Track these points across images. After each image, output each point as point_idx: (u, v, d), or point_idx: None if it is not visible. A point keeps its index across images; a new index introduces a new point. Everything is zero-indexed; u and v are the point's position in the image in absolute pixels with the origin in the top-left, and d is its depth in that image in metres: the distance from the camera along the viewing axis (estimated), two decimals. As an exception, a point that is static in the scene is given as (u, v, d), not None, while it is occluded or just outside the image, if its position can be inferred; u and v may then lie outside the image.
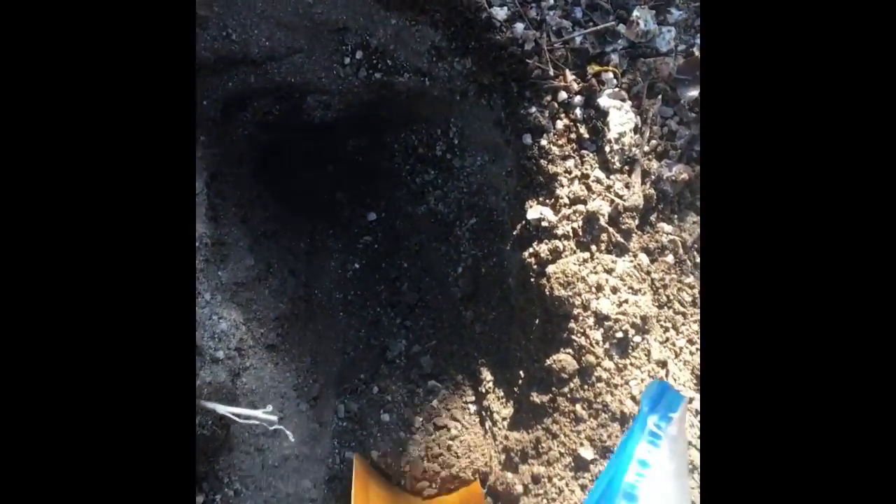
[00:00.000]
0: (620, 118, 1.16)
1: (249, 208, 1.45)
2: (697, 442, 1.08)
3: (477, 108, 1.30)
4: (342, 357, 1.45)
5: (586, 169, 1.16)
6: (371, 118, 1.46)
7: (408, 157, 1.51)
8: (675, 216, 1.18)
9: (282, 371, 1.34)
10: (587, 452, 1.09)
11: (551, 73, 1.13)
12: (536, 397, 1.15)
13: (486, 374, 1.31)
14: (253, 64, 1.36)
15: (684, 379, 1.15)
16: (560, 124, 1.17)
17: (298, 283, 1.46)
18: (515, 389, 1.25)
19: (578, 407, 1.10)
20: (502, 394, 1.28)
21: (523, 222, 1.20)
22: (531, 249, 1.17)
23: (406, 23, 1.24)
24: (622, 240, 1.14)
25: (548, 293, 1.13)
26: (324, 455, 1.32)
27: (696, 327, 1.17)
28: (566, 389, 1.11)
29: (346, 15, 1.28)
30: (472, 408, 1.32)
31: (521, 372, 1.23)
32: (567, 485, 1.11)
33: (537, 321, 1.19)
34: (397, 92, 1.37)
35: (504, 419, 1.25)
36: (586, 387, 1.10)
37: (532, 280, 1.17)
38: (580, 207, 1.14)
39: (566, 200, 1.15)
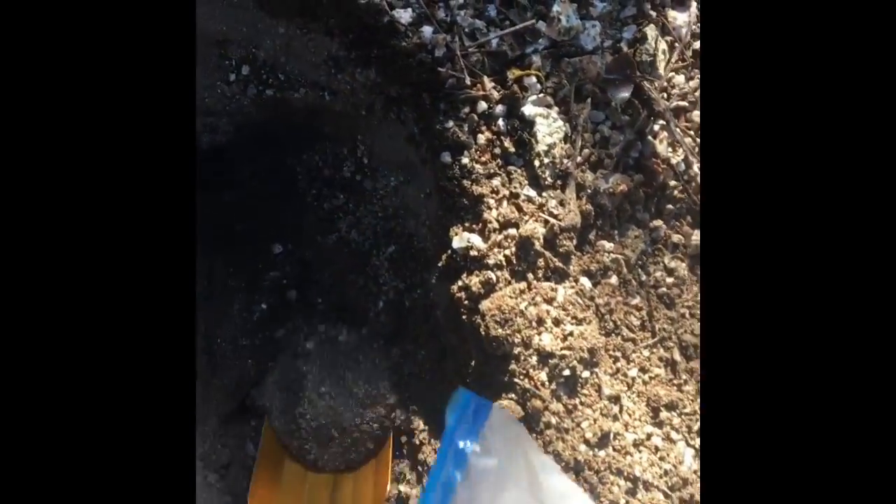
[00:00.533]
0: (548, 127, 1.03)
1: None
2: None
3: (386, 123, 1.14)
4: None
5: (515, 187, 1.02)
6: (266, 139, 1.29)
7: (312, 180, 1.34)
8: (616, 232, 1.07)
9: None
10: (541, 512, 0.96)
11: (468, 81, 0.99)
12: (479, 451, 1.01)
13: (419, 423, 1.16)
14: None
15: (639, 413, 1.03)
16: (482, 138, 1.03)
17: (198, 333, 1.27)
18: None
19: (528, 460, 0.96)
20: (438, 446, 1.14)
21: (449, 251, 1.05)
22: (460, 283, 1.03)
23: (297, 31, 1.07)
24: (561, 264, 1.02)
25: (483, 333, 0.99)
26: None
27: (647, 353, 1.06)
28: (512, 441, 0.97)
29: (225, 25, 1.11)
30: (405, 462, 1.17)
31: (458, 420, 1.09)
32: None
33: (473, 363, 1.05)
34: (294, 109, 1.20)
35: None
36: (534, 435, 0.97)
37: (464, 317, 1.03)
38: (512, 231, 1.01)
39: (496, 224, 1.01)
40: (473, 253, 1.01)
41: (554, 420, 0.97)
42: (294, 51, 1.10)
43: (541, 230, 1.00)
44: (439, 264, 1.09)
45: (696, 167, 1.07)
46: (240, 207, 1.37)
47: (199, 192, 1.34)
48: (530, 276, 1.01)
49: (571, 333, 0.99)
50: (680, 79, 1.10)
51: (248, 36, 1.11)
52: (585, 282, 1.03)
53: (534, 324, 0.98)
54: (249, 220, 1.37)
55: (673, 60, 1.11)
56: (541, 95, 1.03)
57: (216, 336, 1.30)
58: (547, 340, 0.98)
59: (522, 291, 1.00)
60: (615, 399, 1.01)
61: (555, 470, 0.83)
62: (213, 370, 1.26)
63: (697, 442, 1.03)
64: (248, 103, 1.18)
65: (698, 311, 1.07)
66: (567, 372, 0.98)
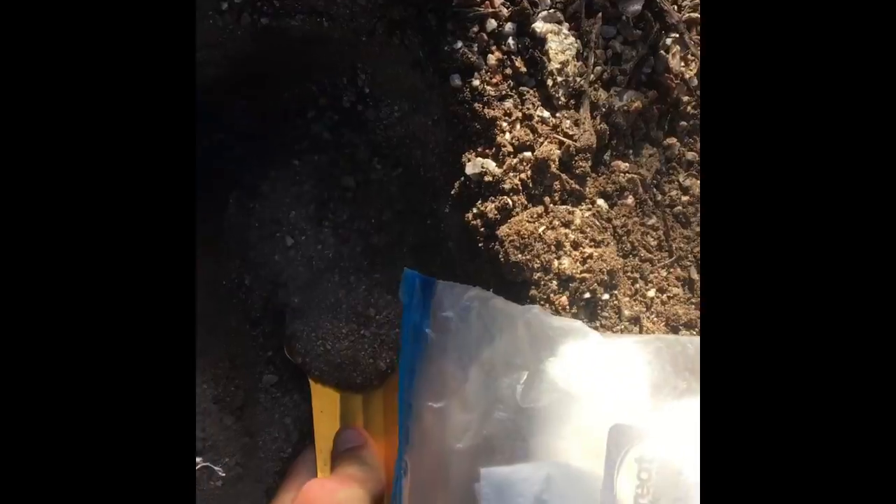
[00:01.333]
0: (560, 45, 0.99)
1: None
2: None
3: (389, 48, 1.10)
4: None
5: (528, 109, 0.99)
6: (260, 72, 1.24)
7: (308, 112, 1.29)
8: (631, 151, 1.04)
9: (198, 385, 1.14)
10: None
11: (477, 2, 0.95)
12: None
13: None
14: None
15: (659, 333, 1.03)
16: (492, 59, 0.99)
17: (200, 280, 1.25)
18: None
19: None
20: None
21: (462, 179, 1.03)
22: (475, 210, 1.01)
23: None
24: (577, 186, 0.99)
25: (502, 259, 0.97)
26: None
27: (665, 273, 1.05)
28: (536, 366, 0.97)
29: (215, -51, 1.05)
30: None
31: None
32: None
33: (491, 290, 1.03)
34: (290, 39, 1.15)
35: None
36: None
37: (480, 245, 1.01)
38: (527, 154, 0.98)
39: (510, 148, 0.98)
40: (488, 178, 0.99)
41: (576, 343, 0.96)
42: (289, -26, 1.04)
43: (556, 152, 0.98)
44: (451, 192, 1.06)
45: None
46: (232, 146, 1.32)
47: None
48: (547, 199, 0.99)
49: (591, 256, 0.97)
50: (692, -11, 1.06)
51: (240, -40, 1.05)
52: (602, 203, 1.01)
53: (552, 248, 0.97)
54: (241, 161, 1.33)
55: (684, -30, 1.07)
56: (551, 11, 0.99)
57: (221, 278, 1.27)
58: (566, 264, 0.96)
59: (540, 216, 0.98)
60: (635, 320, 1.00)
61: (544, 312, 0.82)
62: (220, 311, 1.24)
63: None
64: (241, 33, 1.13)
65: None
66: (587, 295, 0.97)
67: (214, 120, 1.26)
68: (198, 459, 0.99)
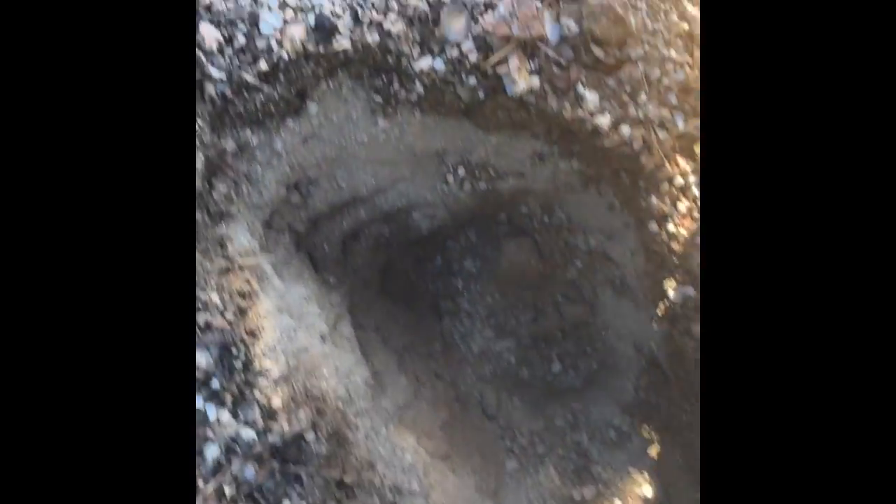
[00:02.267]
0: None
1: (385, 328, 1.53)
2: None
3: (585, 195, 1.35)
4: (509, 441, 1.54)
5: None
6: (474, 218, 1.53)
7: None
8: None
9: (461, 476, 1.43)
10: None
11: (666, 165, 1.19)
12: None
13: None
14: (361, 200, 1.43)
15: None
16: (682, 207, 1.22)
17: (446, 384, 1.54)
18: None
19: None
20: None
21: (665, 301, 1.26)
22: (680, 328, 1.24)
23: (506, 138, 1.29)
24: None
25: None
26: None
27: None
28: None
29: (443, 142, 1.34)
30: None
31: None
32: None
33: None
34: (500, 192, 1.43)
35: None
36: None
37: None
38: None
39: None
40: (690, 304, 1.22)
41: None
42: (503, 152, 1.32)
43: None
44: (656, 310, 1.30)
45: None
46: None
47: (416, 269, 1.62)
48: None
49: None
50: None
51: (463, 147, 1.34)
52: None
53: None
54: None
55: None
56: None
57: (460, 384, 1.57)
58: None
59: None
60: None
61: None
62: (465, 413, 1.52)
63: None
64: (463, 196, 1.42)
65: None
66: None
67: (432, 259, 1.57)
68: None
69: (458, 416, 1.52)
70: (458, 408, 1.52)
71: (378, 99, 1.25)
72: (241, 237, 1.21)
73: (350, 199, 1.41)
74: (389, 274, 1.59)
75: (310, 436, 1.15)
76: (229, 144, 1.18)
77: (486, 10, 1.17)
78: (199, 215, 1.16)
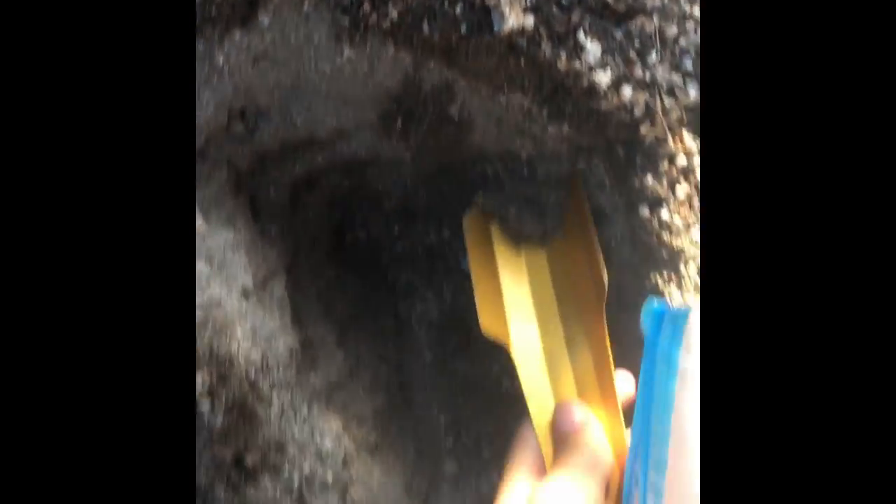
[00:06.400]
0: (748, 177, 1.02)
1: (330, 295, 1.34)
2: None
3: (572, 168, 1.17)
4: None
5: (715, 239, 1.03)
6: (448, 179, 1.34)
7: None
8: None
9: (389, 474, 1.25)
10: None
11: (669, 140, 1.00)
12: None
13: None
14: (319, 144, 1.24)
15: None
16: (681, 192, 1.03)
17: (390, 368, 1.36)
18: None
19: None
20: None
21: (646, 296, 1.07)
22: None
23: (489, 90, 1.10)
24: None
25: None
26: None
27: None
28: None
29: (418, 86, 1.15)
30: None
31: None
32: None
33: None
34: (478, 153, 1.24)
35: None
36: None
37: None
38: (714, 285, 1.01)
39: (691, 284, 1.02)
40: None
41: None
42: (485, 107, 1.13)
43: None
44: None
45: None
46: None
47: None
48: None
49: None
50: None
51: (440, 96, 1.15)
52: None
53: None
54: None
55: None
56: (740, 145, 1.03)
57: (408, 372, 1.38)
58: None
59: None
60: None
61: None
62: (408, 404, 1.34)
63: None
64: (434, 153, 1.23)
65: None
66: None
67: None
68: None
69: (398, 405, 1.33)
70: (399, 396, 1.34)
71: (344, 22, 1.06)
72: (160, 160, 1.02)
73: (306, 139, 1.22)
74: (343, 235, 1.40)
75: (204, 405, 0.97)
76: (158, 48, 1.00)
77: (479, -75, 0.98)
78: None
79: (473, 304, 1.05)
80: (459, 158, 1.28)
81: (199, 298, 0.99)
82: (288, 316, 1.17)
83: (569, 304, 1.05)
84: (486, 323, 1.03)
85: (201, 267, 1.03)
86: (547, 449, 0.91)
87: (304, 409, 1.15)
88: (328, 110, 1.19)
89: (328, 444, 1.14)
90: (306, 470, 1.09)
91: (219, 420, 0.97)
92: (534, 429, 0.92)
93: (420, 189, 1.37)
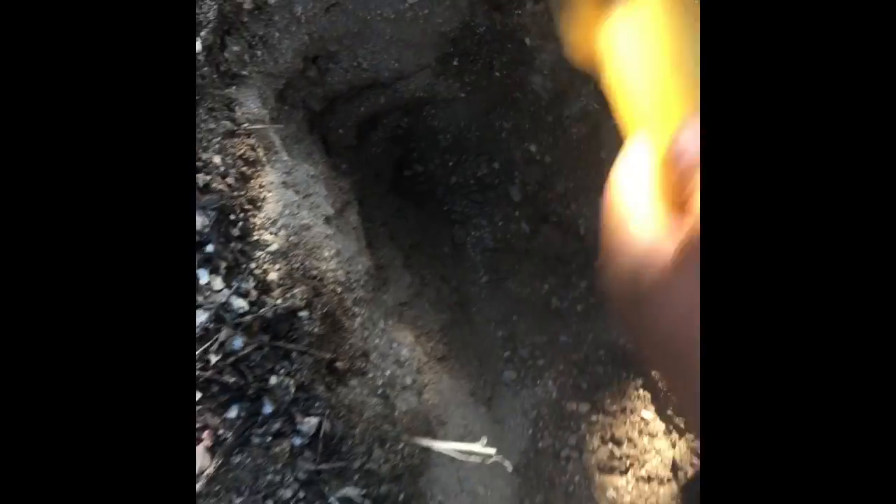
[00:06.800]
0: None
1: (394, 223, 1.48)
2: None
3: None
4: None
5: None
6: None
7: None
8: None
9: (457, 379, 1.40)
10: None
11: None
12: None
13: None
14: (382, 85, 1.36)
15: None
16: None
17: (451, 288, 1.50)
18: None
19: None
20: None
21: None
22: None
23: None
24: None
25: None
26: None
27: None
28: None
29: (474, 28, 1.26)
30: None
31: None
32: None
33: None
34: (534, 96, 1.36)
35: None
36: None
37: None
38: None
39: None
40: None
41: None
42: (546, 62, 1.24)
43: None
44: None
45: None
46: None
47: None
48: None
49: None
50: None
51: (495, 41, 1.27)
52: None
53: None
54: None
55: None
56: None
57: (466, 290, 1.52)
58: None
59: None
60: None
61: None
62: (468, 318, 1.48)
63: None
64: (490, 92, 1.34)
65: None
66: None
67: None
68: (493, 457, 1.22)
69: (460, 320, 1.47)
70: (461, 313, 1.48)
71: (408, -30, 1.17)
72: (250, 103, 1.15)
73: (371, 81, 1.34)
74: (403, 170, 1.53)
75: (304, 314, 1.11)
76: (246, 0, 1.12)
77: None
78: (207, 72, 1.10)
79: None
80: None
81: (293, 222, 1.13)
82: (363, 241, 1.31)
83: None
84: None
85: (291, 196, 1.16)
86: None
87: (382, 323, 1.30)
88: (391, 54, 1.31)
89: (405, 352, 1.29)
90: (388, 373, 1.24)
91: (316, 327, 1.11)
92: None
93: (472, 125, 1.49)
